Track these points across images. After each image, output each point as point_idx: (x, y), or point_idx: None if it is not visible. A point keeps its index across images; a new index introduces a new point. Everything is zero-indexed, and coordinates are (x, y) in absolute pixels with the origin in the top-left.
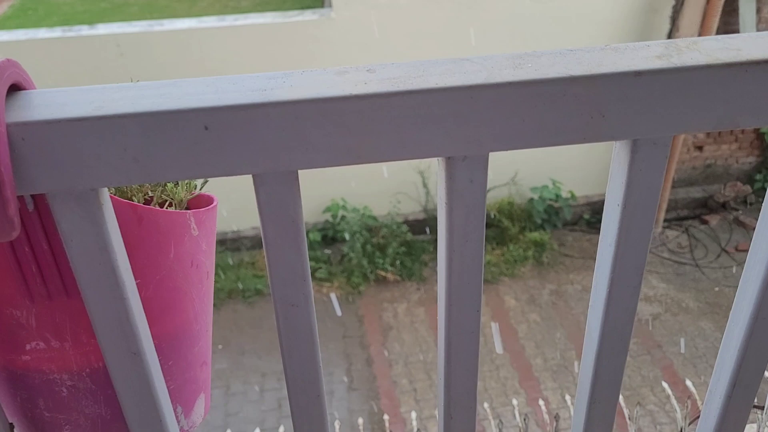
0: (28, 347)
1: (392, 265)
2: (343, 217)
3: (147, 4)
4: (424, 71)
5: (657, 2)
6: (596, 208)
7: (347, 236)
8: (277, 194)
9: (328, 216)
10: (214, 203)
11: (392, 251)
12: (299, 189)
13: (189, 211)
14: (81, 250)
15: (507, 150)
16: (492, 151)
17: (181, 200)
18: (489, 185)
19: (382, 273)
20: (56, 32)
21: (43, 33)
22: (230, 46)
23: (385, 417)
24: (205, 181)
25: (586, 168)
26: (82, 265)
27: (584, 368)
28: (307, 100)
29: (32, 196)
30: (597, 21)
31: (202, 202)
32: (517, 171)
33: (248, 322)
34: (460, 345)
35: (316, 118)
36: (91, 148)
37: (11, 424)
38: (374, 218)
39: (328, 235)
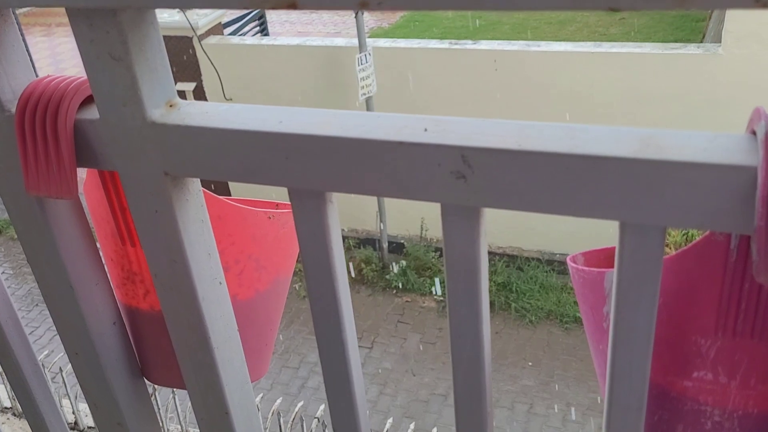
0: (694, 375)
1: None
2: None
3: (518, 24)
4: None
5: None
6: None
7: None
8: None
9: None
10: None
11: None
12: None
13: None
14: None
15: None
16: None
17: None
18: None
19: None
20: (444, 44)
21: (434, 44)
22: (602, 73)
23: None
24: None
25: None
26: None
27: None
28: None
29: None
30: None
31: None
32: None
33: (562, 348)
34: None
35: None
36: None
37: None
38: None
39: None
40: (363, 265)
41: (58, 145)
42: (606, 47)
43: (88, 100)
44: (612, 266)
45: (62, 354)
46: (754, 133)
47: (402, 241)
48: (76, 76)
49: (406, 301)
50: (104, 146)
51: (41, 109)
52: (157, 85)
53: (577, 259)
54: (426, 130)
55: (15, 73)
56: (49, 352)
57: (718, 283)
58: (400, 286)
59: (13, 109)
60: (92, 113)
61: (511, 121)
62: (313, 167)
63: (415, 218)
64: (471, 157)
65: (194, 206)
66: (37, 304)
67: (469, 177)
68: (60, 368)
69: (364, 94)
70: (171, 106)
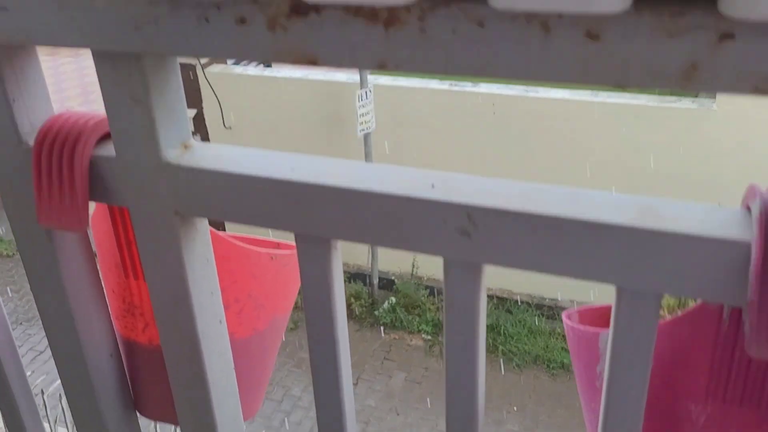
0: None
1: None
2: None
3: None
4: None
5: None
6: None
7: None
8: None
9: None
10: None
11: None
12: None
13: None
14: None
15: None
16: None
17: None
18: None
19: None
20: (445, 85)
21: (434, 84)
22: (599, 122)
23: None
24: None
25: None
26: None
27: None
28: None
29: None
30: None
31: None
32: None
33: (548, 394)
34: None
35: None
36: None
37: None
38: None
39: None
40: (352, 300)
41: (73, 179)
42: (603, 96)
43: (105, 137)
44: (606, 325)
45: (44, 376)
46: (748, 208)
47: (392, 278)
48: (94, 113)
49: (394, 339)
50: (118, 183)
51: (59, 144)
52: (173, 127)
53: (572, 316)
54: (433, 186)
55: (34, 107)
56: (30, 373)
57: (709, 350)
58: (389, 323)
59: (31, 142)
60: (109, 150)
61: (516, 182)
62: (321, 215)
63: (406, 255)
64: (476, 215)
65: (201, 245)
66: (21, 323)
67: (473, 234)
68: (42, 390)
69: (363, 129)
70: (186, 147)
